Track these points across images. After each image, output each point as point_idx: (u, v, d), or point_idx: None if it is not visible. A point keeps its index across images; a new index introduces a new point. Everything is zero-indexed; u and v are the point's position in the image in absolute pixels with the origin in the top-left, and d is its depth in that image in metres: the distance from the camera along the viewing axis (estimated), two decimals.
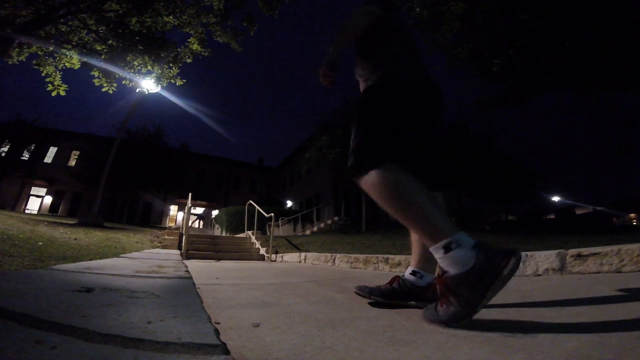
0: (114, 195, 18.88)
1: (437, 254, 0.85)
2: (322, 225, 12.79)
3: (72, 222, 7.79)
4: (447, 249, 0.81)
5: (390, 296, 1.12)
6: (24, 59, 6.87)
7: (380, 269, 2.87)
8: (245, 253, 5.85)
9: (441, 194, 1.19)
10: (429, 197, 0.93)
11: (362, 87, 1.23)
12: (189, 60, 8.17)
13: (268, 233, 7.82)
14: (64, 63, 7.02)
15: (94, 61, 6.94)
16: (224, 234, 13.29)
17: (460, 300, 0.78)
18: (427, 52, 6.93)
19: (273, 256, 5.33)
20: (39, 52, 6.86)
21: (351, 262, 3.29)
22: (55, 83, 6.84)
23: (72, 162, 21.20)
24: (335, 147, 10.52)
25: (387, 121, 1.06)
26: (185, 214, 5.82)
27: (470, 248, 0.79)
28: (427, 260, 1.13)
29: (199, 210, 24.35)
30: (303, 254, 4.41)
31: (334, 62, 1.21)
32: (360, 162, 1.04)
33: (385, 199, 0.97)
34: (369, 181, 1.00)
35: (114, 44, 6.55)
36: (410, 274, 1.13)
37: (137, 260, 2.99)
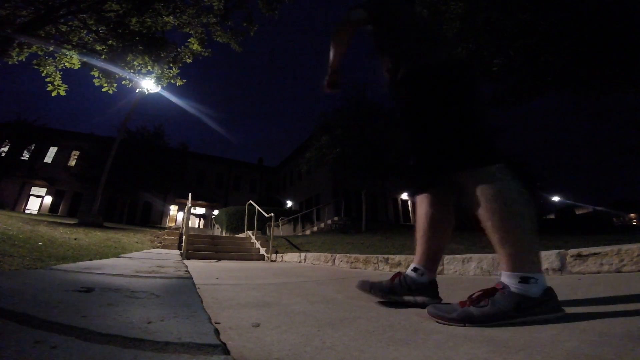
0: (114, 195, 18.88)
1: (510, 279, 0.83)
2: (322, 225, 12.79)
3: (72, 222, 7.79)
4: (524, 280, 0.81)
5: (391, 292, 1.12)
6: (24, 59, 6.87)
7: (380, 269, 2.87)
8: (245, 253, 5.85)
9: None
10: (534, 216, 0.88)
11: (393, 81, 1.17)
12: (189, 61, 8.18)
13: (268, 233, 7.82)
14: (64, 63, 7.02)
15: (94, 61, 6.94)
16: (224, 234, 13.29)
17: (493, 310, 0.80)
18: None
19: (273, 256, 5.33)
20: (39, 52, 6.86)
21: (351, 262, 3.29)
22: (55, 83, 6.84)
23: (72, 162, 21.20)
24: (335, 147, 10.51)
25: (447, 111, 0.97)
26: (185, 214, 5.82)
27: (543, 286, 0.81)
28: (430, 259, 1.11)
29: (200, 210, 24.34)
30: (303, 254, 4.40)
31: (333, 80, 1.26)
32: (461, 156, 0.93)
33: (491, 207, 0.88)
34: (478, 183, 0.91)
35: (114, 44, 6.56)
36: (412, 270, 1.12)
37: (137, 260, 2.99)
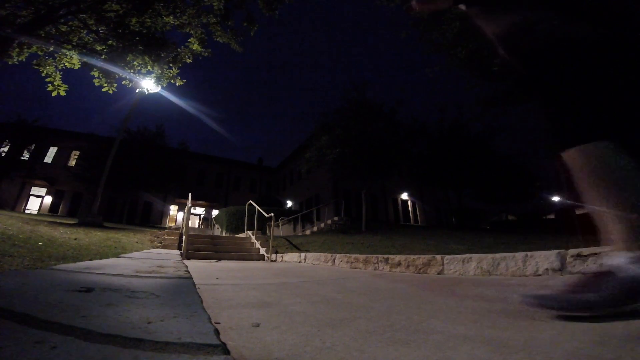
0: (114, 195, 18.89)
1: (621, 259, 0.75)
2: (322, 225, 12.79)
3: (72, 222, 7.79)
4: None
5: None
6: (24, 59, 6.87)
7: (380, 268, 2.87)
8: (245, 253, 5.85)
9: None
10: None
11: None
12: (189, 61, 8.18)
13: (268, 233, 7.82)
14: (64, 63, 7.02)
15: (94, 61, 6.94)
16: (224, 234, 13.29)
17: (602, 297, 0.75)
18: (427, 52, 6.95)
19: (273, 256, 5.33)
20: (39, 52, 6.85)
21: (351, 262, 3.29)
22: (55, 83, 6.84)
23: (72, 162, 21.21)
24: (335, 147, 10.50)
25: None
26: (185, 214, 5.82)
27: None
28: None
29: (199, 210, 24.34)
30: (303, 254, 4.41)
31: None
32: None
33: (590, 181, 0.81)
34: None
35: (114, 44, 6.56)
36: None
37: (137, 260, 2.99)
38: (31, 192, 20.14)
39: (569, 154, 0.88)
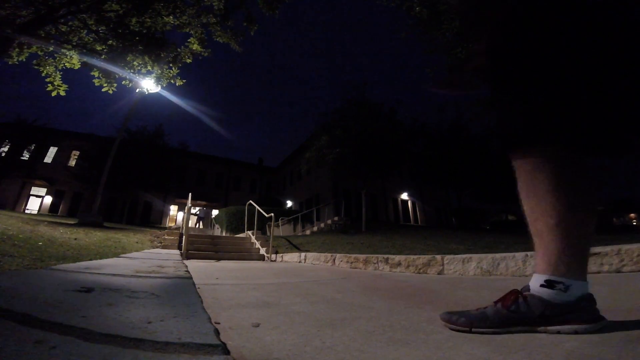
0: (114, 195, 18.88)
1: (534, 281, 0.74)
2: (322, 225, 12.79)
3: (72, 222, 7.78)
4: (549, 285, 0.70)
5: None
6: (24, 59, 6.87)
7: (380, 268, 2.87)
8: (245, 253, 5.85)
9: None
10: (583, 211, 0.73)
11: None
12: (188, 61, 8.18)
13: (268, 233, 7.82)
14: (64, 63, 7.02)
15: (94, 61, 6.94)
16: (224, 234, 13.29)
17: (516, 314, 0.72)
18: (427, 52, 6.95)
19: (273, 256, 5.33)
20: (39, 52, 6.86)
21: (351, 262, 3.29)
22: (55, 83, 6.85)
23: (72, 162, 21.20)
24: (335, 147, 10.51)
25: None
26: (185, 214, 5.82)
27: (579, 294, 0.70)
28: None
29: (197, 209, 24.30)
30: (303, 254, 4.40)
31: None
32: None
33: (526, 193, 0.74)
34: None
35: (114, 44, 6.56)
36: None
37: (137, 260, 2.99)
38: (31, 192, 20.13)
39: (514, 156, 0.76)
